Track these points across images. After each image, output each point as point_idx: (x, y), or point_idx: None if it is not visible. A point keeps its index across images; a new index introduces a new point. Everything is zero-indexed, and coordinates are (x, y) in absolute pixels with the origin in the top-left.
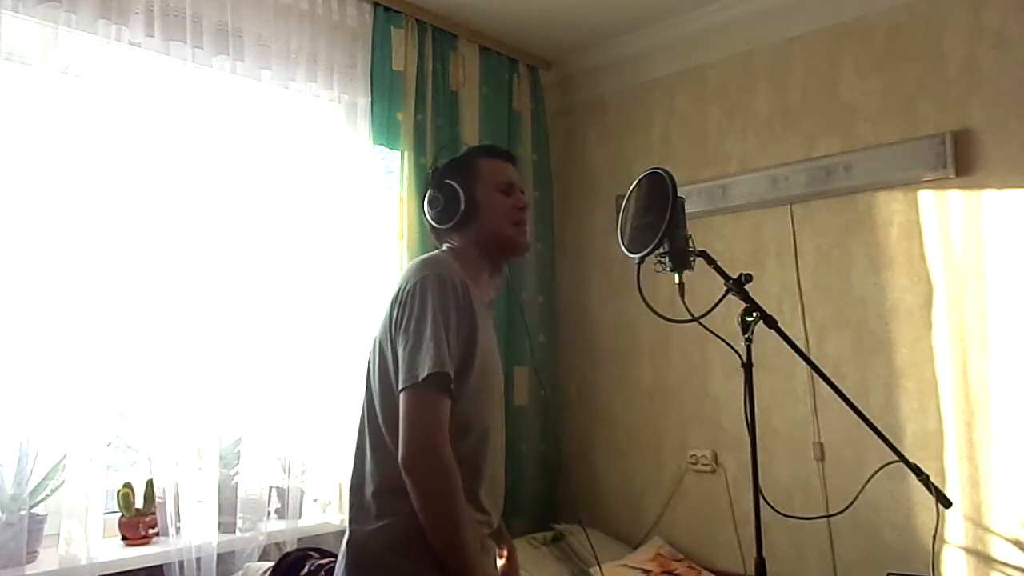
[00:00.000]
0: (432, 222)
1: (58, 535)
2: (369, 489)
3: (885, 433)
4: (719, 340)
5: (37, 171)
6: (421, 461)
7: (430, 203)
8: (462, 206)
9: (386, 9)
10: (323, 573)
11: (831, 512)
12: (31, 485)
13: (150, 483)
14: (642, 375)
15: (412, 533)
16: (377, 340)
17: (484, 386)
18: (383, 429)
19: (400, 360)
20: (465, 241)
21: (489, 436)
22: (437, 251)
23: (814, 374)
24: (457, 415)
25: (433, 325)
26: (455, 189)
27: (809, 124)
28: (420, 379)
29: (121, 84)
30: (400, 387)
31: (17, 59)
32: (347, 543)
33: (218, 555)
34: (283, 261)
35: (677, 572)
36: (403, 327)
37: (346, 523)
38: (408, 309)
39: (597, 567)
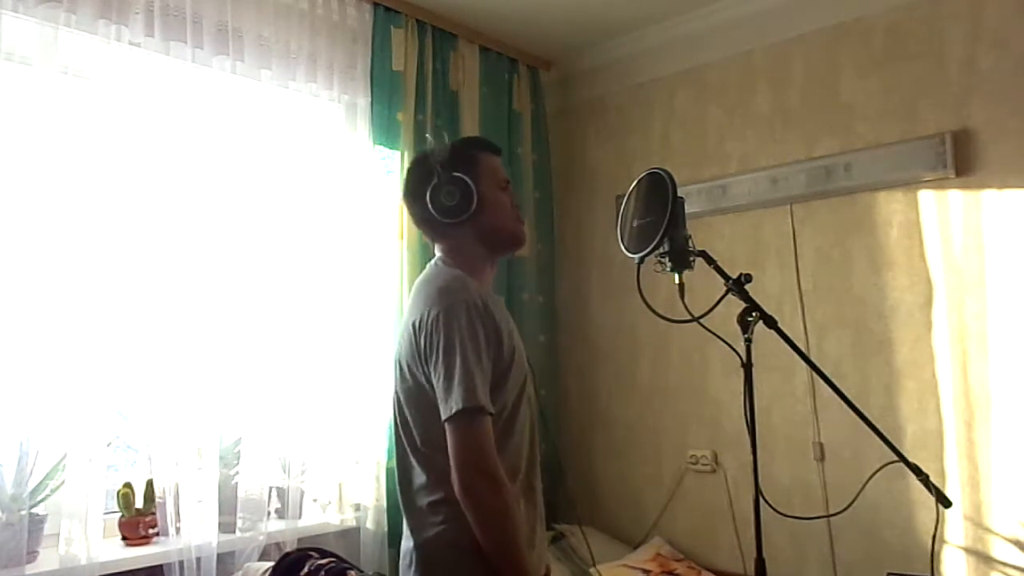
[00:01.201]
0: (438, 215)
1: (58, 535)
2: (424, 500)
3: (885, 433)
4: (719, 340)
5: (37, 171)
6: (477, 486)
7: (445, 196)
8: (474, 202)
9: (386, 9)
10: (323, 573)
11: (831, 512)
12: (31, 485)
13: (150, 483)
14: (642, 375)
15: (474, 534)
16: (404, 362)
17: (518, 383)
18: (424, 448)
19: (447, 388)
20: (467, 236)
21: (528, 425)
22: (443, 267)
23: (814, 374)
24: (500, 420)
25: (462, 358)
26: (468, 184)
27: (809, 124)
28: (458, 412)
29: (121, 84)
30: (455, 409)
31: (17, 59)
32: (414, 547)
33: (218, 555)
34: (283, 261)
35: (677, 572)
36: (434, 360)
37: (347, 523)
38: (436, 341)
39: (596, 567)
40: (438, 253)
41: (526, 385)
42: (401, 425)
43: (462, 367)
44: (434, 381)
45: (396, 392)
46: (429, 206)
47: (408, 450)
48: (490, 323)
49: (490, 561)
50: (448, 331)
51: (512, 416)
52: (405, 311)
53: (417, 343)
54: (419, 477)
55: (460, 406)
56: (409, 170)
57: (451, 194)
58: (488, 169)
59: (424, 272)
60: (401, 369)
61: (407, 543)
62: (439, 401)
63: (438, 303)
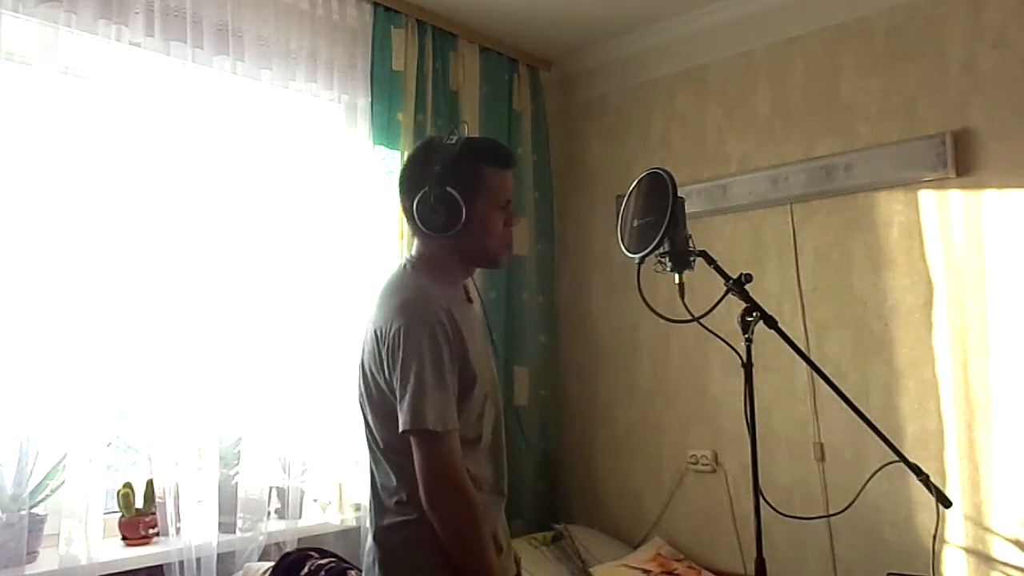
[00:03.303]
0: (420, 225)
1: (58, 535)
2: (389, 499)
3: (885, 433)
4: (719, 340)
5: (37, 171)
6: (444, 501)
7: (430, 212)
8: (462, 221)
9: (386, 9)
10: (323, 573)
11: (831, 512)
12: (31, 485)
13: (150, 483)
14: (642, 375)
15: (434, 531)
16: (366, 366)
17: (483, 391)
18: (386, 450)
19: (400, 405)
20: (446, 247)
21: (494, 430)
22: (410, 273)
23: (814, 374)
24: (466, 429)
25: (422, 376)
26: (458, 202)
27: (809, 124)
28: (417, 430)
29: (121, 84)
30: (403, 429)
31: (17, 59)
32: (375, 543)
33: (218, 555)
34: (283, 261)
35: (677, 572)
36: (396, 374)
37: (347, 523)
38: (397, 356)
39: (597, 566)
40: (412, 252)
41: (492, 392)
42: (366, 426)
43: (422, 385)
44: (397, 391)
45: (359, 394)
46: (414, 213)
47: (374, 449)
48: (456, 336)
49: (458, 570)
50: (408, 347)
51: (478, 424)
52: (371, 313)
53: (379, 352)
54: (384, 476)
55: (417, 425)
56: (408, 159)
57: (436, 212)
58: (489, 187)
59: (391, 276)
60: (364, 373)
61: (369, 540)
62: (401, 413)
63: (399, 316)
